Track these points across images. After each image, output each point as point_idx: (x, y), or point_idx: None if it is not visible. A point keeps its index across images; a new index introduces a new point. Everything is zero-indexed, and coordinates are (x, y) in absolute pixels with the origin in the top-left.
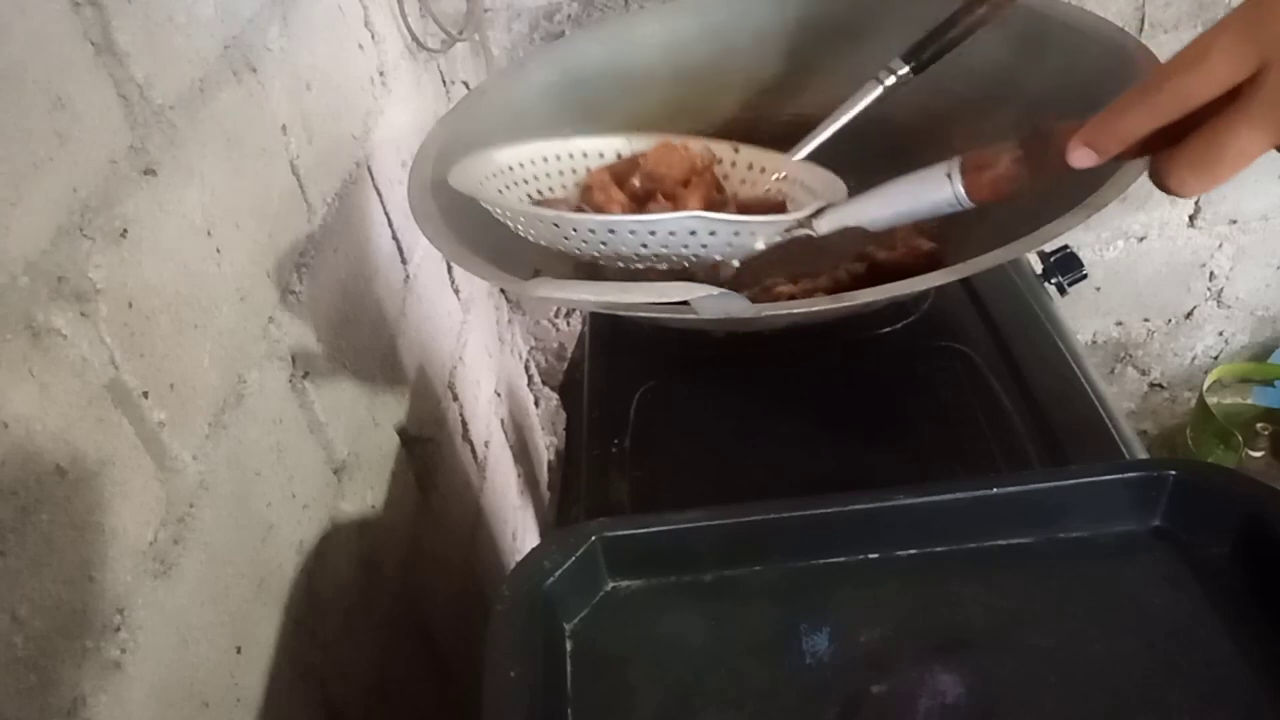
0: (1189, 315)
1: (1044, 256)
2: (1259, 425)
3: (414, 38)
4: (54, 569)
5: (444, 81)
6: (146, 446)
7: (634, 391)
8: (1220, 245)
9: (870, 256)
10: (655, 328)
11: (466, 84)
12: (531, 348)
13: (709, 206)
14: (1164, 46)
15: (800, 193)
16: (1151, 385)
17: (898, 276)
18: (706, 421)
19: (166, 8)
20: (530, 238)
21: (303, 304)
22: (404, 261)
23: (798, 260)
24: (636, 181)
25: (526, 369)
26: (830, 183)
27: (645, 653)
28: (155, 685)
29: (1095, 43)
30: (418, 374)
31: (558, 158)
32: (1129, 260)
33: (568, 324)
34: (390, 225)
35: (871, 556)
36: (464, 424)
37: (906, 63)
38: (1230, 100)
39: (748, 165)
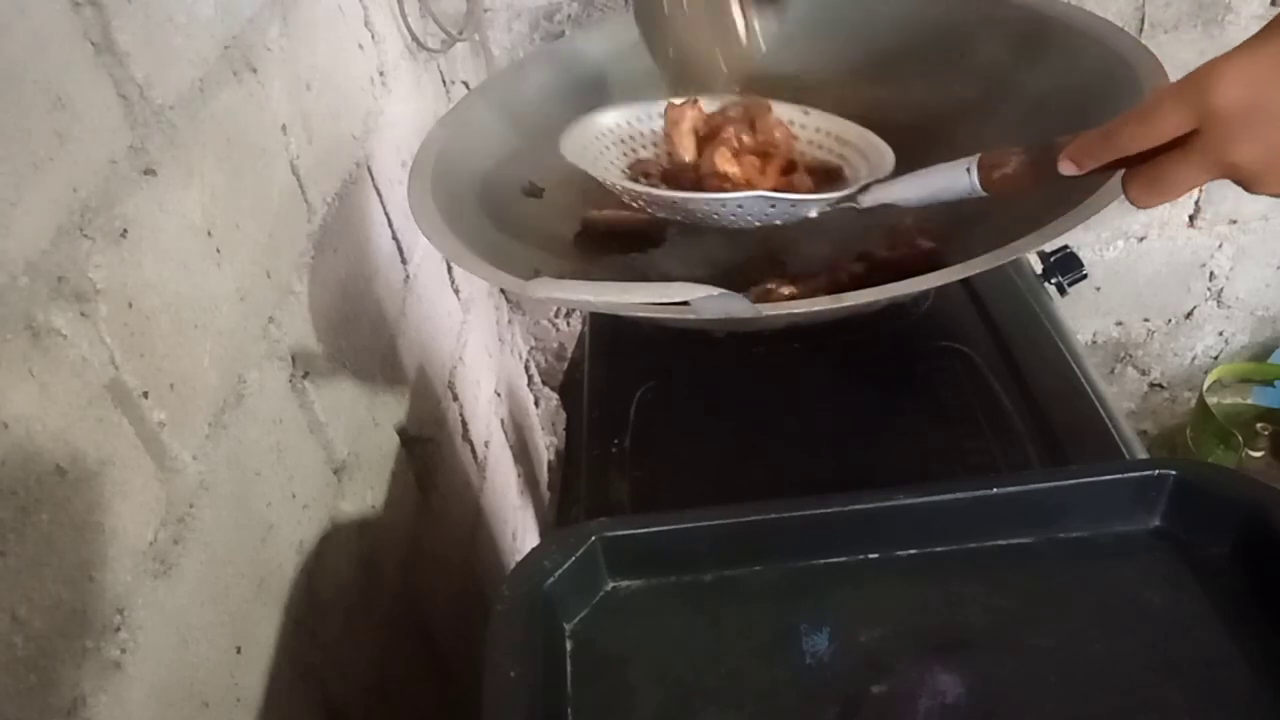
0: (1189, 315)
1: (1044, 256)
2: (1259, 425)
3: (414, 38)
4: (54, 569)
5: (444, 81)
6: (146, 446)
7: (634, 391)
8: (1220, 245)
9: (870, 256)
10: (655, 328)
11: (466, 84)
12: (531, 348)
13: (782, 174)
14: (1164, 46)
15: (857, 159)
16: (1151, 385)
17: (898, 276)
18: (706, 421)
19: (166, 8)
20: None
21: (303, 304)
22: (404, 261)
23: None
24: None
25: (526, 369)
26: (883, 154)
27: (645, 653)
28: (155, 685)
29: (1095, 43)
30: (418, 374)
31: (650, 116)
32: (1129, 260)
33: (568, 324)
34: (390, 225)
35: (871, 556)
36: (464, 424)
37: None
38: (1182, 140)
39: (815, 128)
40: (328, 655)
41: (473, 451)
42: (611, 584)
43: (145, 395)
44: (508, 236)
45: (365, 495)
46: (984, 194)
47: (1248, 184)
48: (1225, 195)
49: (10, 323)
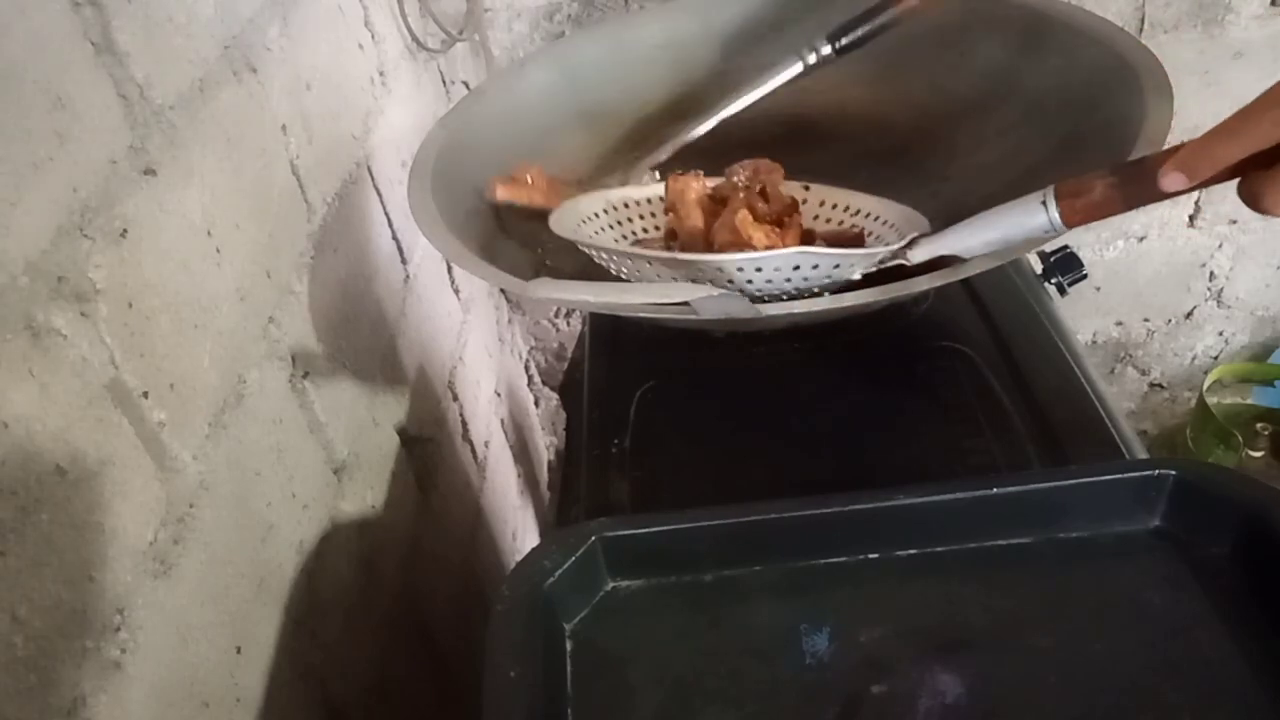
0: (1189, 315)
1: (1044, 256)
2: (1259, 425)
3: (414, 38)
4: (54, 569)
5: (444, 81)
6: (146, 446)
7: (634, 391)
8: (1220, 245)
9: None
10: (655, 328)
11: (466, 84)
12: (531, 348)
13: (803, 241)
14: (1164, 46)
15: (876, 226)
16: (1151, 385)
17: (898, 277)
18: (706, 421)
19: (166, 8)
20: (624, 275)
21: (303, 304)
22: (404, 261)
23: None
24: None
25: (526, 369)
26: (910, 216)
27: (645, 653)
28: (155, 685)
29: (1095, 43)
30: (418, 374)
31: (648, 200)
32: (1129, 260)
33: (568, 324)
34: (390, 225)
35: (871, 556)
36: (464, 424)
37: (830, 43)
38: None
39: (819, 202)
40: (328, 655)
41: (473, 451)
42: (611, 584)
43: (145, 395)
44: (508, 236)
45: (365, 495)
46: (1064, 230)
47: None
48: (1225, 195)
49: (10, 323)
